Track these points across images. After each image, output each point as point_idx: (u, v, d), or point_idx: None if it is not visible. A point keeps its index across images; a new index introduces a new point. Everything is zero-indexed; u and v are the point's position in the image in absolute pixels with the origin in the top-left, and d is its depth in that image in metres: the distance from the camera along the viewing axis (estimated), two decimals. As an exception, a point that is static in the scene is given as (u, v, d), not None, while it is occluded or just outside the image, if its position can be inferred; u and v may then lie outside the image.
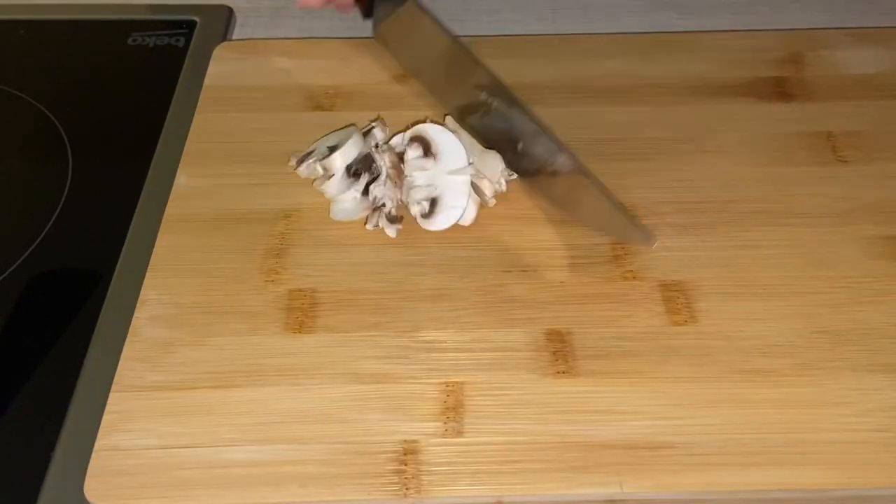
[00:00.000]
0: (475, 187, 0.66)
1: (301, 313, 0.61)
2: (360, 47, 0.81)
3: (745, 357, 0.58)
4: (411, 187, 0.66)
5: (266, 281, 0.63)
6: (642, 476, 0.53)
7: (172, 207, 0.68)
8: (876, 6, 0.87)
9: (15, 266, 0.67)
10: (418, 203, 0.65)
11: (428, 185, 0.66)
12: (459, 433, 0.55)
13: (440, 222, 0.65)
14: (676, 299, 0.61)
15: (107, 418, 0.56)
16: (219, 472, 0.53)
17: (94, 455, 0.54)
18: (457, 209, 0.65)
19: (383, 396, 0.57)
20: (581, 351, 0.59)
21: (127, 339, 0.60)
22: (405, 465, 0.54)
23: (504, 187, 0.66)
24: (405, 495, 0.52)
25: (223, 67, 0.80)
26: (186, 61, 0.83)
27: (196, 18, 0.88)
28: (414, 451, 0.54)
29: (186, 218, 0.67)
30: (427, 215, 0.65)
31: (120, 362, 0.59)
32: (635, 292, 0.62)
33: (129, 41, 0.86)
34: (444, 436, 0.55)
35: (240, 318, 0.61)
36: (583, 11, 0.89)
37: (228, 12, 0.89)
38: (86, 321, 0.63)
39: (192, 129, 0.74)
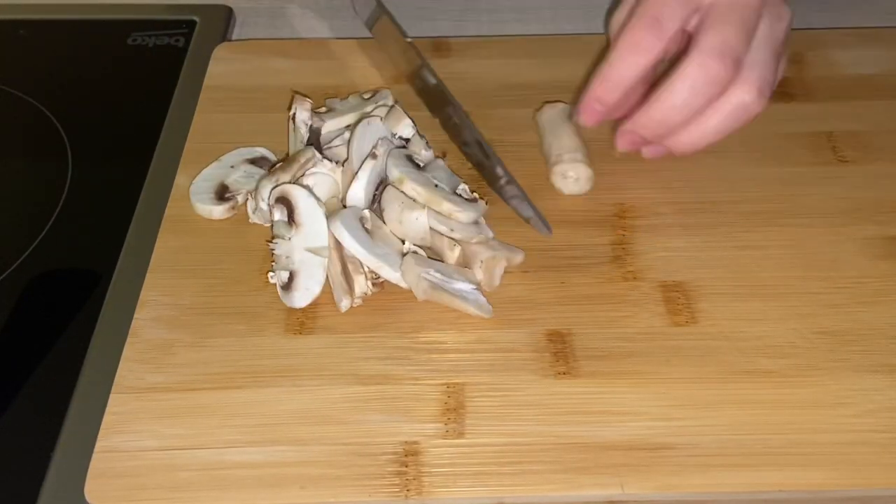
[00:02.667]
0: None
1: (301, 314, 0.61)
2: (360, 48, 0.81)
3: (745, 358, 0.58)
4: (272, 253, 0.63)
5: (266, 282, 0.63)
6: (643, 477, 0.53)
7: (172, 208, 0.68)
8: (876, 6, 0.87)
9: (15, 266, 0.67)
10: (275, 273, 0.62)
11: (286, 257, 0.62)
12: (460, 434, 0.55)
13: (296, 300, 0.61)
14: (677, 300, 0.61)
15: (107, 420, 0.56)
16: (219, 473, 0.53)
17: (94, 457, 0.54)
18: (310, 293, 0.61)
19: (384, 398, 0.57)
20: (582, 352, 0.59)
21: (127, 341, 0.60)
22: (406, 466, 0.53)
23: (369, 290, 0.62)
24: (406, 497, 0.52)
25: (223, 68, 0.80)
26: (186, 61, 0.83)
27: (196, 18, 0.88)
28: (415, 453, 0.54)
29: (186, 219, 0.67)
30: (285, 287, 0.61)
31: (120, 364, 0.58)
32: (636, 293, 0.62)
33: (129, 41, 0.86)
34: (444, 437, 0.55)
35: (240, 319, 0.61)
36: (583, 11, 0.89)
37: (228, 12, 0.89)
38: (85, 321, 0.63)
39: (191, 129, 0.74)
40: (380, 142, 0.64)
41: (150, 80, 0.82)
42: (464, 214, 0.62)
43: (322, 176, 0.65)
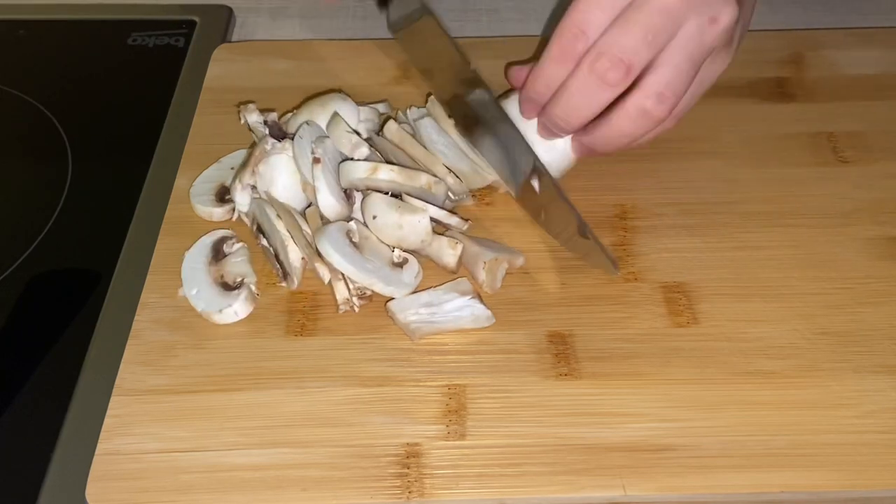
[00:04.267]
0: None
1: (302, 316, 0.61)
2: (360, 49, 0.81)
3: (747, 359, 0.58)
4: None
5: (267, 283, 0.63)
6: (645, 478, 0.53)
7: (173, 210, 0.68)
8: (876, 6, 0.87)
9: (15, 266, 0.67)
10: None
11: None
12: (462, 436, 0.55)
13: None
14: (678, 301, 0.61)
15: (108, 422, 0.56)
16: (221, 476, 0.53)
17: (95, 459, 0.54)
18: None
19: (385, 399, 0.57)
20: (583, 353, 0.59)
21: (128, 343, 0.60)
22: (408, 468, 0.54)
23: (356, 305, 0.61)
24: (408, 498, 0.52)
25: (223, 68, 0.79)
26: (186, 61, 0.83)
27: (196, 18, 0.88)
28: (416, 454, 0.54)
29: (187, 220, 0.67)
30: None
31: (121, 366, 0.58)
32: (637, 294, 0.62)
33: (129, 41, 0.86)
34: (446, 439, 0.55)
35: (241, 320, 0.61)
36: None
37: (228, 12, 0.89)
38: (85, 322, 0.63)
39: (191, 130, 0.74)
40: (315, 144, 0.64)
41: (150, 80, 0.82)
42: (440, 185, 0.63)
43: (276, 157, 0.64)
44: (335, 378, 0.58)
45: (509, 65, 0.68)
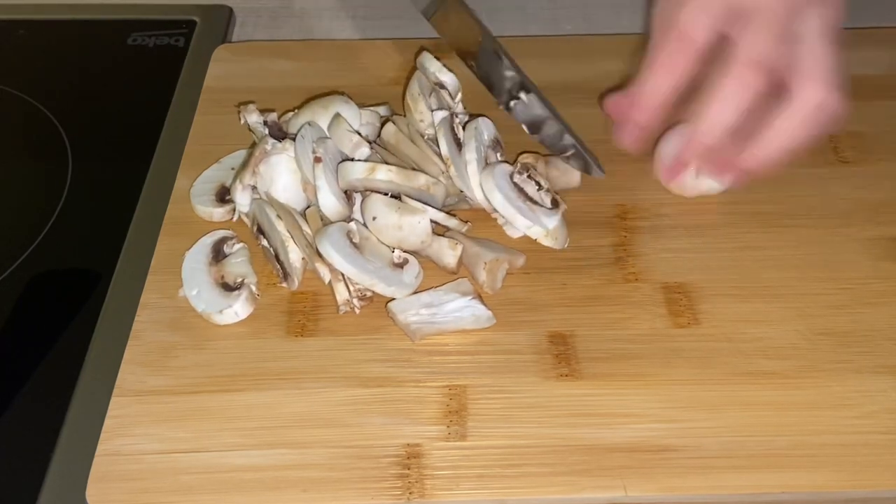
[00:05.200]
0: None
1: (303, 316, 0.61)
2: (360, 49, 0.81)
3: (748, 359, 0.58)
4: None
5: (268, 284, 0.63)
6: (646, 479, 0.53)
7: (173, 210, 0.68)
8: (876, 6, 0.87)
9: (15, 266, 0.67)
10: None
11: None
12: (462, 437, 0.55)
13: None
14: (679, 301, 0.61)
15: (108, 423, 0.56)
16: (221, 476, 0.53)
17: (95, 460, 0.54)
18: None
19: (386, 400, 0.57)
20: (584, 353, 0.59)
21: (128, 343, 0.60)
22: (408, 468, 0.53)
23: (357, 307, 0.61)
24: (408, 499, 0.52)
25: (223, 69, 0.79)
26: (186, 61, 0.83)
27: (196, 18, 0.88)
28: (417, 455, 0.54)
29: (187, 221, 0.67)
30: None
31: (121, 366, 0.58)
32: (637, 294, 0.62)
33: (129, 41, 0.86)
34: (447, 439, 0.55)
35: (241, 321, 0.61)
36: (583, 11, 0.88)
37: (228, 12, 0.89)
38: (85, 322, 0.63)
39: (191, 131, 0.74)
40: (316, 144, 0.64)
41: (150, 80, 0.82)
42: (439, 186, 0.62)
43: (276, 157, 0.64)
44: (336, 378, 0.58)
45: (603, 95, 0.68)
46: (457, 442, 0.55)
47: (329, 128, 0.66)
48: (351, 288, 0.60)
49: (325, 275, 0.61)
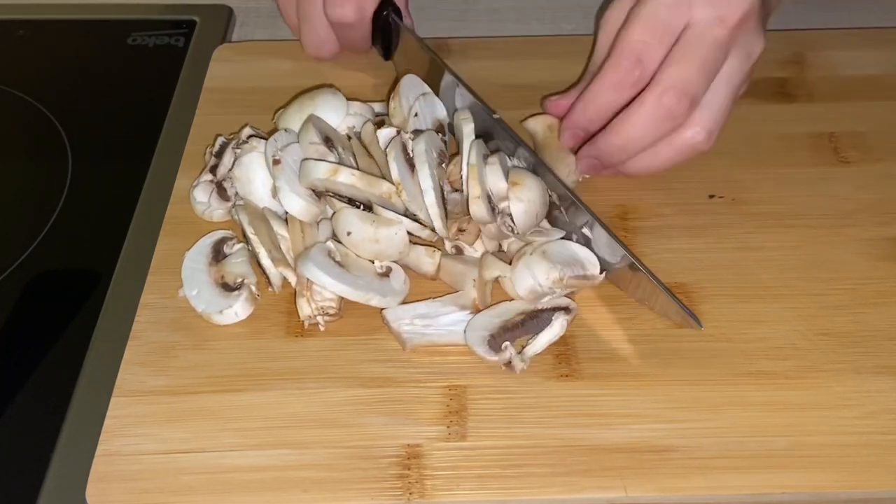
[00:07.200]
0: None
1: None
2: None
3: (748, 359, 0.58)
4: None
5: (268, 284, 0.63)
6: (646, 479, 0.53)
7: (173, 210, 0.68)
8: (877, 6, 0.87)
9: (14, 266, 0.67)
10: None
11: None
12: (463, 437, 0.55)
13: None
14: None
15: (108, 423, 0.56)
16: (221, 477, 0.53)
17: (95, 460, 0.54)
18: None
19: (386, 400, 0.57)
20: (584, 354, 0.59)
21: (128, 343, 0.60)
22: (408, 469, 0.53)
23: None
24: (409, 500, 0.52)
25: (223, 69, 0.79)
26: (186, 61, 0.83)
27: (196, 18, 0.88)
28: (417, 456, 0.54)
29: (187, 221, 0.67)
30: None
31: (121, 366, 0.58)
32: (638, 294, 0.62)
33: (129, 41, 0.86)
34: (447, 440, 0.55)
35: (241, 321, 0.61)
36: (583, 11, 0.88)
37: (228, 12, 0.89)
38: (85, 322, 0.63)
39: (191, 131, 0.73)
40: (283, 149, 0.63)
41: (150, 80, 0.82)
42: (405, 192, 0.61)
43: (248, 157, 0.64)
44: (336, 379, 0.58)
45: (546, 97, 0.70)
46: (457, 442, 0.55)
47: (299, 132, 0.66)
48: (313, 305, 0.59)
49: (293, 281, 0.61)
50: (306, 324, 0.60)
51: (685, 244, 0.65)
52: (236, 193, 0.66)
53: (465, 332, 0.58)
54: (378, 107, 0.71)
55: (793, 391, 0.57)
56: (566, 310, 0.59)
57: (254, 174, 0.64)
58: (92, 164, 0.75)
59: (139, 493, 0.53)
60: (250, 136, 0.67)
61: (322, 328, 0.60)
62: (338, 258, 0.60)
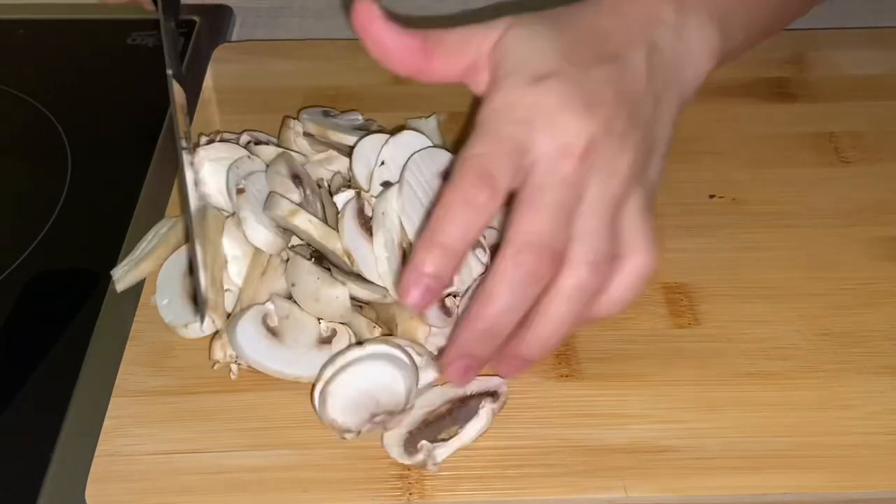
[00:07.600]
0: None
1: (303, 316, 0.61)
2: (360, 49, 0.80)
3: (749, 360, 0.58)
4: None
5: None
6: (647, 480, 0.53)
7: (173, 210, 0.68)
8: (877, 6, 0.87)
9: (14, 266, 0.66)
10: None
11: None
12: (463, 437, 0.55)
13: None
14: (680, 301, 0.61)
15: (107, 423, 0.55)
16: (221, 477, 0.53)
17: (95, 460, 0.54)
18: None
19: (386, 400, 0.56)
20: (584, 354, 0.59)
21: (128, 344, 0.60)
22: (408, 469, 0.53)
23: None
24: (409, 500, 0.52)
25: (223, 69, 0.79)
26: (186, 61, 0.83)
27: (196, 18, 0.88)
28: (417, 456, 0.54)
29: (187, 220, 0.67)
30: None
31: (121, 367, 0.58)
32: (638, 294, 0.62)
33: (129, 41, 0.86)
34: (447, 440, 0.55)
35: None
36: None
37: (228, 12, 0.89)
38: (85, 322, 0.63)
39: (191, 130, 0.73)
40: (248, 177, 0.61)
41: (150, 80, 0.82)
42: (357, 261, 0.56)
43: (210, 166, 0.62)
44: (336, 379, 0.57)
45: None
46: (457, 442, 0.55)
47: (269, 166, 0.63)
48: (226, 351, 0.57)
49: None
50: (215, 367, 0.58)
51: (685, 244, 0.65)
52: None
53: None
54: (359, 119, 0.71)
55: (793, 391, 0.56)
56: (493, 395, 0.55)
57: (209, 178, 0.62)
58: (91, 164, 0.75)
59: (139, 493, 0.52)
60: (248, 143, 0.66)
61: (234, 377, 0.57)
62: (274, 323, 0.57)
